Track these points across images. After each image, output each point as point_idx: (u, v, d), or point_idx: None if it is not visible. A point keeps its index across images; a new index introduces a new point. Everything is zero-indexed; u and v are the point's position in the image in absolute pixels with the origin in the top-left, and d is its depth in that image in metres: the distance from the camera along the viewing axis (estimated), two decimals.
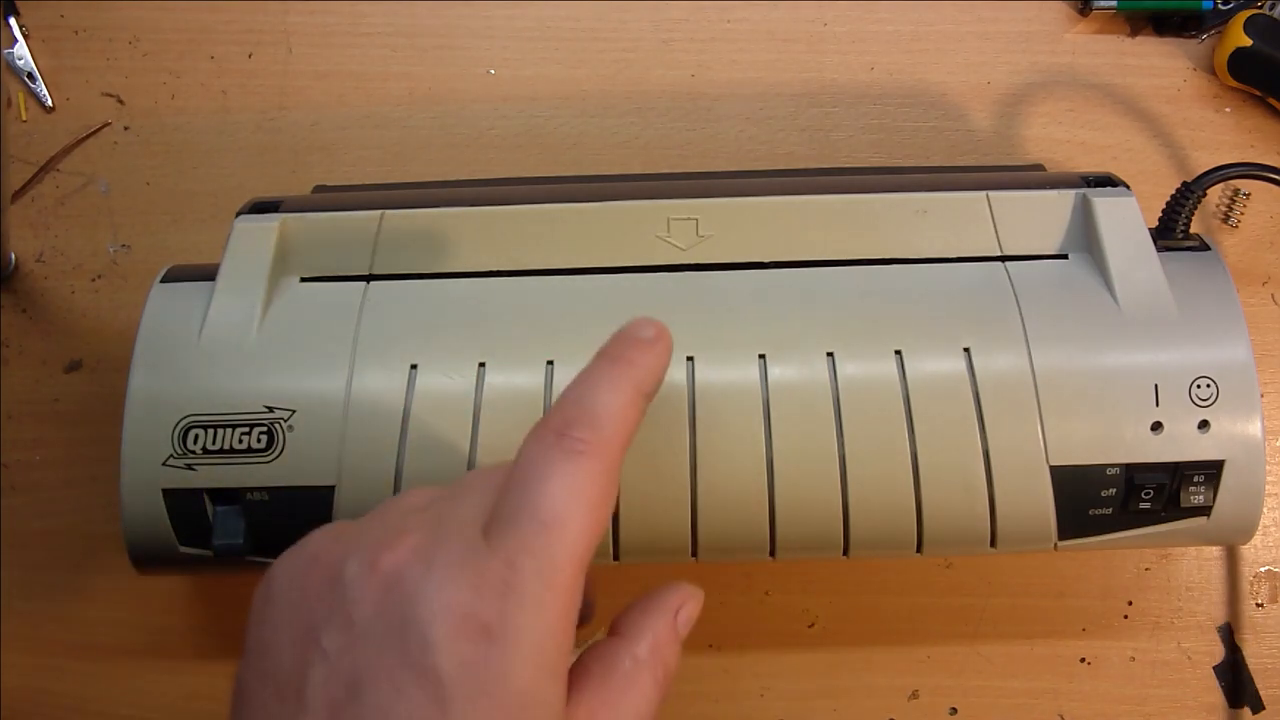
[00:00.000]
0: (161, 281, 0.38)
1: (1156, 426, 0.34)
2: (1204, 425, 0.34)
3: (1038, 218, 0.37)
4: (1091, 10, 0.50)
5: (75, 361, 0.47)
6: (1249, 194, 0.48)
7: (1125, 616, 0.44)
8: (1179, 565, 0.44)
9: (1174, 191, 0.39)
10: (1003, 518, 0.34)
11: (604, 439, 0.28)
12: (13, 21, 0.51)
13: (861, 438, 0.34)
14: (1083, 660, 0.43)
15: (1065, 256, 0.37)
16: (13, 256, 0.48)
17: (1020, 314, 0.35)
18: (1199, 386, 0.34)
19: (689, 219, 0.36)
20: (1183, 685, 0.43)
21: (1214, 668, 0.43)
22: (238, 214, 0.39)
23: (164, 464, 0.34)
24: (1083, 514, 0.34)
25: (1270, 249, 0.48)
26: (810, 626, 0.44)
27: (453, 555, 0.26)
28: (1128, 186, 0.37)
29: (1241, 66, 0.48)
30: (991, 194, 0.37)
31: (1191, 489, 0.34)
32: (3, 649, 0.43)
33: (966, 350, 0.34)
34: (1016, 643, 0.43)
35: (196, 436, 0.34)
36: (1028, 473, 0.34)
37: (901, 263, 0.37)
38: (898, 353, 0.34)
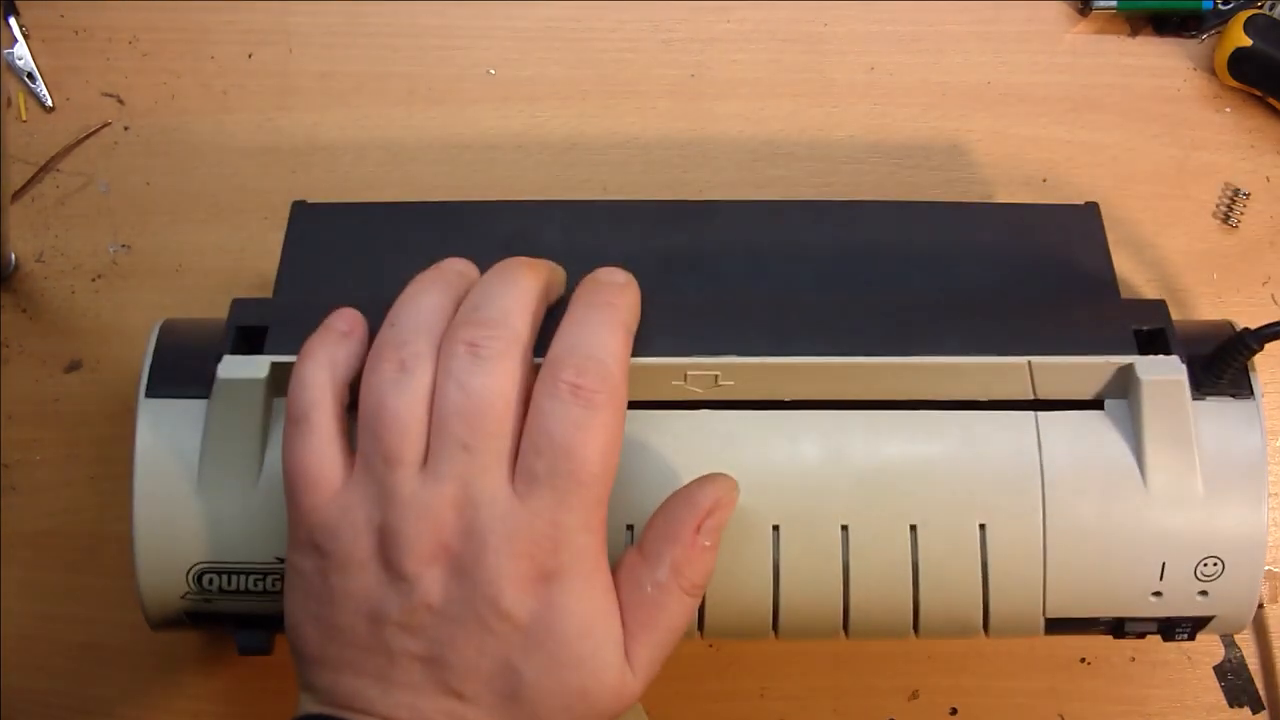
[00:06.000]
0: (148, 394, 0.35)
1: (1156, 594, 0.34)
2: (1204, 594, 0.34)
3: (1078, 378, 0.35)
4: (1091, 10, 0.50)
5: (75, 361, 0.47)
6: (1249, 194, 0.48)
7: None
8: None
9: (1227, 338, 0.35)
10: (992, 638, 0.35)
11: (614, 386, 0.29)
12: (13, 21, 0.51)
13: (867, 598, 0.34)
14: (1083, 660, 0.43)
15: (1100, 405, 0.35)
16: (13, 256, 0.48)
17: (1042, 483, 0.34)
18: (1206, 564, 0.34)
19: (709, 374, 0.34)
20: (1183, 685, 0.43)
21: (1214, 668, 0.43)
22: (221, 352, 0.34)
23: (181, 598, 0.34)
24: (1069, 631, 0.36)
25: (1270, 249, 0.48)
26: None
27: (500, 530, 0.28)
28: (1181, 351, 0.34)
29: (1241, 66, 0.48)
30: (1034, 361, 0.34)
31: (1178, 631, 0.35)
32: (3, 648, 0.43)
33: (982, 527, 0.34)
34: (1016, 643, 0.43)
35: (211, 580, 0.34)
36: (1024, 621, 0.35)
37: (927, 407, 0.35)
38: (912, 527, 0.34)
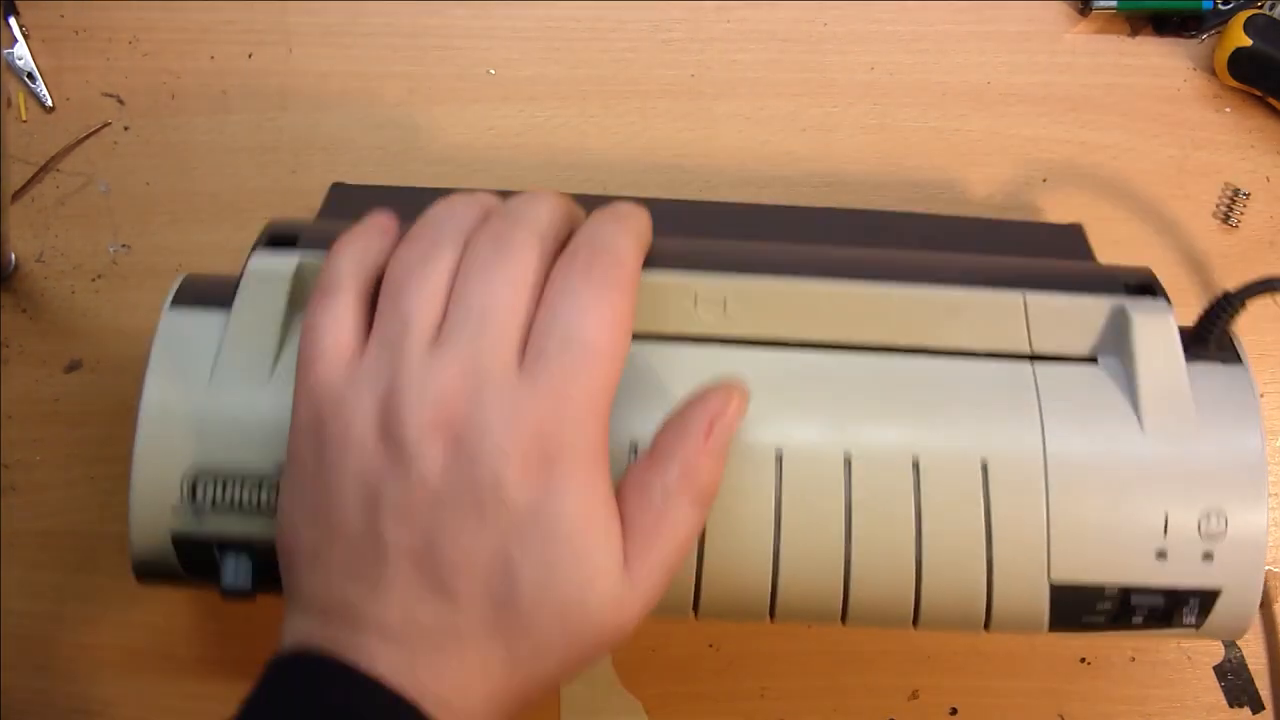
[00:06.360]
0: (172, 305, 0.36)
1: (1161, 554, 0.34)
2: (1208, 556, 0.34)
3: (1072, 322, 0.36)
4: (1091, 10, 0.50)
5: (75, 361, 0.47)
6: (1249, 194, 0.48)
7: None
8: None
9: (1213, 300, 0.37)
10: (997, 618, 0.34)
11: (627, 274, 0.30)
12: (13, 21, 0.51)
13: (868, 539, 0.34)
14: (1083, 660, 0.43)
15: (1094, 360, 0.36)
16: (13, 256, 0.48)
17: (1042, 428, 0.34)
18: (1209, 519, 0.34)
19: (717, 298, 0.35)
20: (1183, 685, 0.43)
21: (1214, 668, 0.43)
22: (254, 247, 0.37)
23: (171, 510, 0.34)
24: (1075, 620, 0.35)
25: (1270, 249, 0.48)
26: (810, 626, 0.44)
27: (505, 402, 0.28)
28: (1167, 297, 0.36)
29: (1241, 66, 0.48)
30: (1029, 296, 0.36)
31: (1184, 611, 0.35)
32: (3, 649, 0.43)
33: (984, 465, 0.34)
34: (1016, 643, 0.43)
35: (206, 489, 0.34)
36: (1028, 585, 0.34)
37: (929, 353, 0.35)
38: (915, 462, 0.34)
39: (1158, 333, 0.35)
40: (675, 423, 0.31)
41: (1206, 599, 0.35)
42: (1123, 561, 0.34)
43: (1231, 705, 0.43)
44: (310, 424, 0.30)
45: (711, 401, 0.31)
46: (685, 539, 0.30)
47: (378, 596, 0.28)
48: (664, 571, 0.30)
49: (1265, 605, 0.44)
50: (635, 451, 0.33)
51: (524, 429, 0.28)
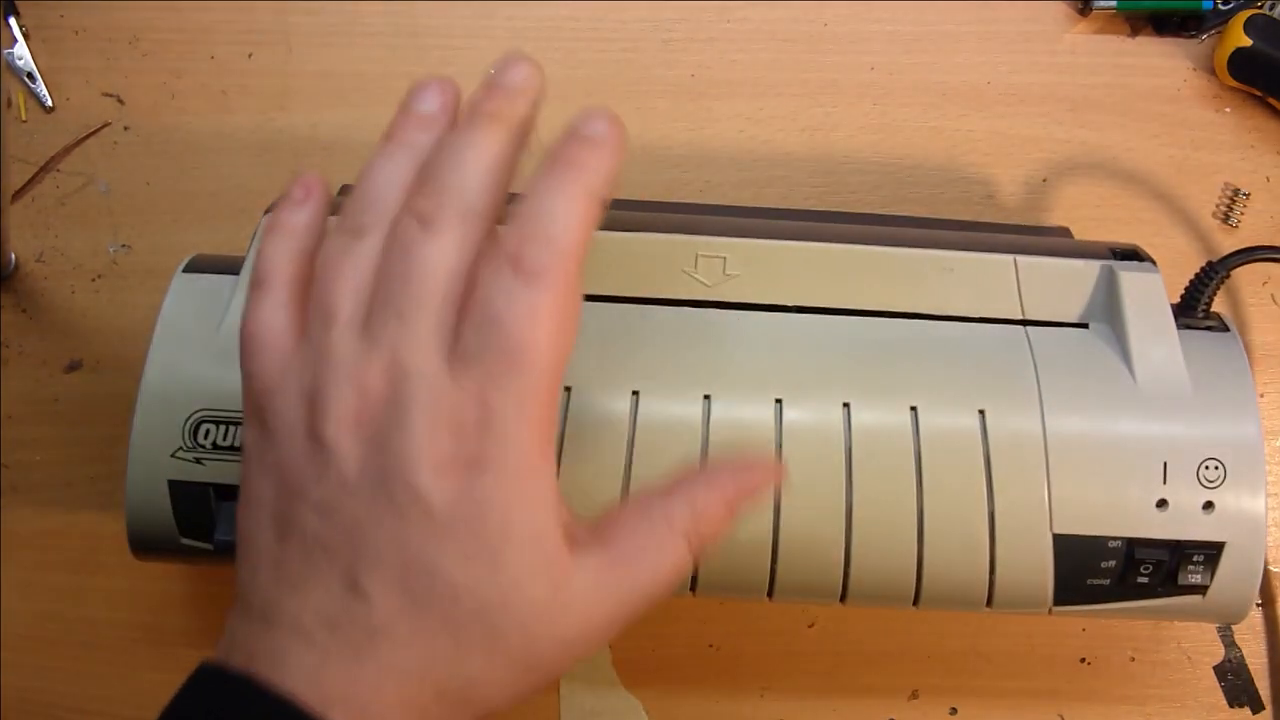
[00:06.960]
0: (184, 271, 0.37)
1: (1162, 504, 0.34)
2: (1209, 506, 0.34)
3: (1062, 285, 0.37)
4: (1091, 10, 0.50)
5: (75, 361, 0.47)
6: (1249, 194, 0.48)
7: None
8: None
9: (1197, 271, 0.38)
10: (1001, 579, 0.34)
11: (560, 257, 0.27)
12: (13, 21, 0.51)
13: (870, 489, 0.34)
14: (1083, 660, 0.43)
15: (1086, 326, 0.36)
16: (13, 256, 0.48)
17: (1037, 380, 0.35)
18: (1207, 468, 0.34)
19: (717, 257, 0.36)
20: (1183, 685, 0.43)
21: (1214, 668, 0.43)
22: (266, 211, 0.38)
23: (172, 455, 0.34)
24: (1080, 582, 0.34)
25: None
26: (810, 626, 0.44)
27: (425, 402, 0.27)
28: (1154, 262, 0.37)
29: (1241, 66, 0.48)
30: (1019, 258, 0.37)
31: (1190, 568, 0.34)
32: (3, 649, 0.43)
33: (981, 412, 0.34)
34: (1016, 642, 0.43)
35: (207, 431, 0.34)
36: (1031, 537, 0.34)
37: (924, 318, 0.36)
38: (913, 409, 0.34)
39: (1146, 291, 0.36)
40: (706, 473, 0.29)
41: (1211, 553, 0.34)
42: (1124, 511, 0.34)
43: (1231, 705, 0.43)
44: (253, 414, 0.29)
45: (744, 475, 0.29)
46: (665, 575, 0.28)
47: (296, 593, 0.27)
48: (629, 595, 0.28)
49: (1266, 605, 0.44)
50: (638, 400, 0.33)
51: (443, 432, 0.26)
